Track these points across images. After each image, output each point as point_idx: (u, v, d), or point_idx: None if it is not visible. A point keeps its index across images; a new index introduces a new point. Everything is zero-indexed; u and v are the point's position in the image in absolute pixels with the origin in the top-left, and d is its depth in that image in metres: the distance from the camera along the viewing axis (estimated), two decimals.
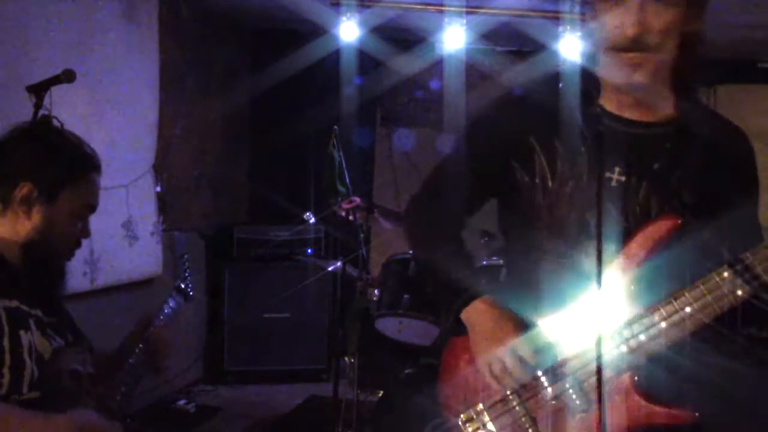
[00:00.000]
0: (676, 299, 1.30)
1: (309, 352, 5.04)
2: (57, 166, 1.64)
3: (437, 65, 5.45)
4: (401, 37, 5.33)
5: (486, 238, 3.94)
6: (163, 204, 4.44)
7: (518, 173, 1.51)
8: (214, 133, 5.30)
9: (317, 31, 5.04)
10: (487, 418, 1.48)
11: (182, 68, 4.74)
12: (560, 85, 1.52)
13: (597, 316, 1.20)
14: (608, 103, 1.45)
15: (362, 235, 3.84)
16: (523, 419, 1.44)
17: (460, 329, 1.52)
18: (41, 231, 1.62)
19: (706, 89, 5.77)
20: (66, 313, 1.74)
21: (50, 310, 1.65)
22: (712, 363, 1.41)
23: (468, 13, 4.68)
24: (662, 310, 1.31)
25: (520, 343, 1.40)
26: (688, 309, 1.29)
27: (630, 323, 1.34)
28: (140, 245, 4.17)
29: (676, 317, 1.30)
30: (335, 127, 4.00)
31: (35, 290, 1.62)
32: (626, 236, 1.40)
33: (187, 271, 2.28)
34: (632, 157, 1.37)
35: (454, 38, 4.81)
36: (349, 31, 4.76)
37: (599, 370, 1.23)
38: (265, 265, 5.01)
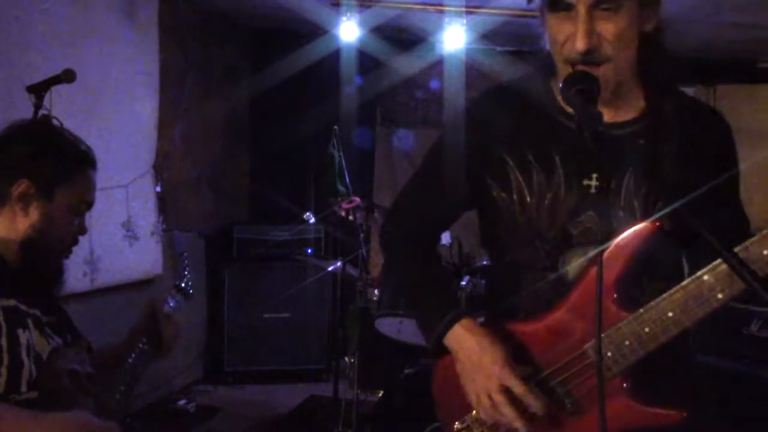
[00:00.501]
0: (658, 303, 1.30)
1: (309, 352, 5.04)
2: (53, 163, 1.64)
3: (437, 65, 5.46)
4: (401, 37, 5.33)
5: None
6: (163, 204, 4.44)
7: (494, 190, 1.48)
8: (214, 133, 5.30)
9: (317, 31, 5.04)
10: (479, 429, 1.47)
11: (182, 68, 4.74)
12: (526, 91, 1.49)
13: (597, 316, 1.19)
14: None
15: (362, 235, 3.84)
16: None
17: (444, 351, 1.51)
18: (39, 228, 1.62)
19: (705, 89, 5.78)
20: (64, 312, 1.74)
21: (48, 309, 1.65)
22: (699, 364, 1.40)
23: (468, 13, 4.68)
24: (645, 315, 1.31)
25: (505, 375, 1.38)
26: (670, 314, 1.29)
27: (616, 328, 1.34)
28: (140, 245, 4.17)
29: (659, 321, 1.30)
30: (335, 127, 4.01)
31: (33, 289, 1.62)
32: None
33: (187, 270, 2.28)
34: (608, 161, 1.33)
35: (454, 38, 4.81)
36: (349, 31, 4.77)
37: (600, 371, 1.23)
38: (265, 265, 5.00)
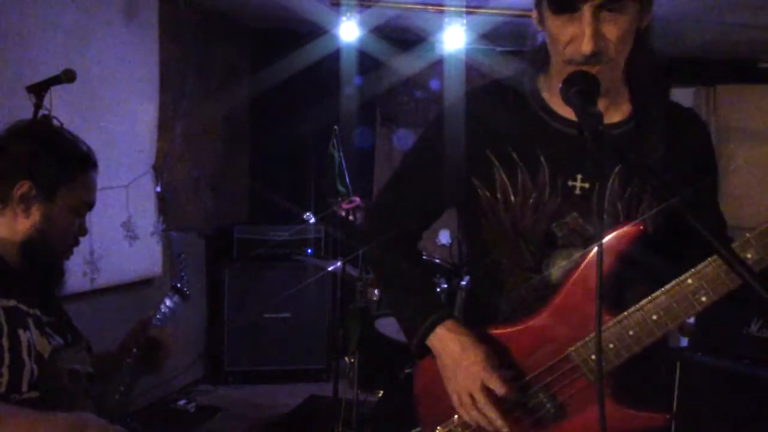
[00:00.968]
0: (642, 306, 1.30)
1: (309, 352, 5.04)
2: (55, 164, 1.64)
3: (437, 65, 5.45)
4: (401, 37, 5.33)
5: None
6: (163, 204, 4.44)
7: (478, 189, 1.47)
8: (214, 133, 5.30)
9: (317, 31, 5.04)
10: (464, 430, 1.46)
11: (182, 68, 4.74)
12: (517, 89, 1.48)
13: (596, 317, 1.19)
14: (562, 108, 1.40)
15: None
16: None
17: (426, 352, 1.50)
18: (40, 229, 1.62)
19: (705, 89, 5.78)
20: (64, 312, 1.74)
21: (49, 309, 1.65)
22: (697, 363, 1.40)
23: (468, 13, 4.68)
24: (629, 318, 1.31)
25: (487, 375, 1.37)
26: (654, 317, 1.29)
27: (599, 331, 1.34)
28: (140, 245, 4.17)
29: (643, 324, 1.30)
30: (335, 127, 4.00)
31: (34, 290, 1.62)
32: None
33: (184, 270, 2.28)
34: (596, 163, 1.33)
35: (454, 38, 4.81)
36: (349, 31, 4.76)
37: (600, 371, 1.23)
38: (265, 265, 5.01)
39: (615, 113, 1.44)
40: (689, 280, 1.26)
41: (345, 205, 3.77)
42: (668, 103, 1.50)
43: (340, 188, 3.90)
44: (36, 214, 1.62)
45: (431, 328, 1.47)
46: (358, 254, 3.80)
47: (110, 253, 3.84)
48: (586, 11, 1.29)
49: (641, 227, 1.35)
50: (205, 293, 5.08)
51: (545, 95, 1.46)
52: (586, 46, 1.29)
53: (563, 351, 1.37)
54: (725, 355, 3.15)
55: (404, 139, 5.89)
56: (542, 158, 1.43)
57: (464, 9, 4.64)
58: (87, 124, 3.57)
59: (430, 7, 4.67)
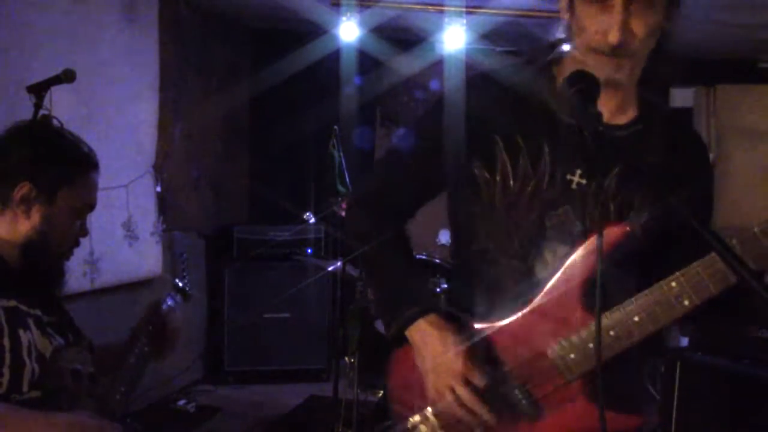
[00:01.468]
0: (624, 308, 1.30)
1: (309, 352, 5.04)
2: (56, 165, 1.64)
3: (437, 65, 5.45)
4: (401, 37, 5.33)
5: None
6: (163, 204, 4.45)
7: (477, 169, 1.46)
8: (214, 133, 5.30)
9: (317, 31, 5.04)
10: (436, 422, 1.45)
11: (182, 68, 4.74)
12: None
13: (596, 316, 1.19)
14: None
15: None
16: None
17: (403, 341, 1.49)
18: (40, 231, 1.62)
19: (705, 89, 5.78)
20: (65, 312, 1.74)
21: (50, 309, 1.65)
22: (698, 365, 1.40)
23: (468, 13, 4.68)
24: (611, 318, 1.31)
25: (468, 370, 1.37)
26: (636, 318, 1.29)
27: (579, 331, 1.34)
28: (140, 245, 4.17)
29: (624, 326, 1.30)
30: (335, 127, 4.00)
31: (34, 290, 1.62)
32: (583, 241, 1.37)
33: (185, 270, 2.28)
34: (597, 161, 1.31)
35: (454, 38, 4.81)
36: (349, 31, 4.77)
37: (599, 370, 1.23)
38: (265, 265, 5.00)
39: (622, 114, 1.44)
40: (673, 284, 1.27)
41: (345, 205, 3.77)
42: (674, 113, 1.52)
43: (340, 188, 3.90)
44: (36, 216, 1.62)
45: (413, 319, 1.46)
46: (358, 254, 3.81)
47: (110, 253, 3.85)
48: (618, 2, 1.30)
49: (628, 229, 1.35)
50: (205, 293, 5.08)
51: (557, 86, 1.46)
52: (614, 36, 1.30)
53: (543, 349, 1.37)
54: (725, 355, 3.15)
55: None
56: (546, 148, 1.43)
57: (464, 9, 4.64)
58: (87, 124, 3.56)
59: (430, 7, 4.67)
